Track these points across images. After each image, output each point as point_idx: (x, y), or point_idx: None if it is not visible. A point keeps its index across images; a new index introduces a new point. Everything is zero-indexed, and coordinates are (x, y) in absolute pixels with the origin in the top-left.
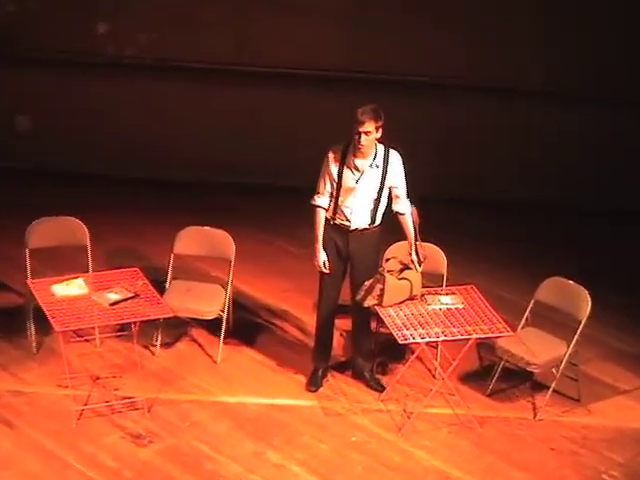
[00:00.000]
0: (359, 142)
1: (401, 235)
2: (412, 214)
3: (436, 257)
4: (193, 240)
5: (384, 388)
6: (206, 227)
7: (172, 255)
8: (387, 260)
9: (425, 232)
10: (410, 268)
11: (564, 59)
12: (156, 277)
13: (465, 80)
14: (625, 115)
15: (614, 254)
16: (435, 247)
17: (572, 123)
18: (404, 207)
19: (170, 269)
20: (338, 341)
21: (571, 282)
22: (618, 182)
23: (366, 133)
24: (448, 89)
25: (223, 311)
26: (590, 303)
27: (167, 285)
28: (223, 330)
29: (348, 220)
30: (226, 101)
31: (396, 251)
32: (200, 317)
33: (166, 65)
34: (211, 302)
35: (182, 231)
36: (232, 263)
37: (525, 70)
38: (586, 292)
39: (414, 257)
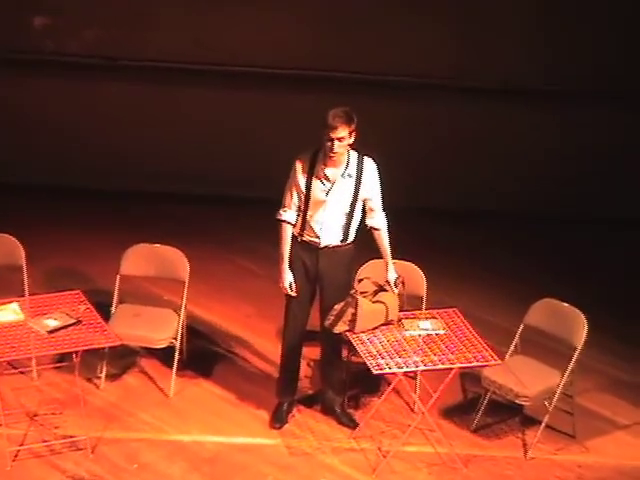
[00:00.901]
0: (331, 149)
1: (376, 253)
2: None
3: (414, 277)
4: (142, 259)
5: (357, 424)
6: (157, 244)
7: (118, 276)
8: (360, 281)
9: (401, 247)
10: (386, 290)
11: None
12: (101, 301)
13: (452, 80)
14: (623, 112)
15: (600, 265)
16: (413, 266)
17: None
18: (379, 221)
19: (116, 292)
20: (305, 372)
21: (565, 304)
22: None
23: (339, 139)
24: (432, 89)
25: (176, 339)
26: (586, 328)
27: (113, 310)
28: (176, 360)
29: (317, 237)
30: (185, 104)
31: (370, 271)
32: (150, 346)
33: (115, 64)
34: (163, 329)
35: (130, 249)
36: (186, 284)
37: (522, 68)
38: (582, 316)
39: (390, 277)
